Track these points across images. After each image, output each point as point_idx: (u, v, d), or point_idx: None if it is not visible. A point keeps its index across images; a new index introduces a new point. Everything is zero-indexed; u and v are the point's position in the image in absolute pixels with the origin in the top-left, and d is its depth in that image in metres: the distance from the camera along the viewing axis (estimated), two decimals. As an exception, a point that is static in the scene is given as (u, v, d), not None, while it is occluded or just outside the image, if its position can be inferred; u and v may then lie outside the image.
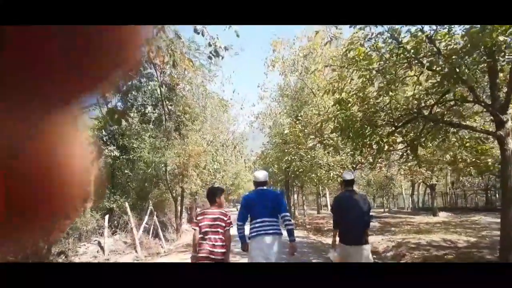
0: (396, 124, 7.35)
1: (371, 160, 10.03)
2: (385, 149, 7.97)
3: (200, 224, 4.10)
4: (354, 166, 14.38)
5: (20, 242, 0.25)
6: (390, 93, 6.79)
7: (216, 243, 4.04)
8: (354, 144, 7.81)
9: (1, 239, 0.24)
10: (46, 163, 0.24)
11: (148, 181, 15.33)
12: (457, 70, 5.61)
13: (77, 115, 0.25)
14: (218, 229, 4.09)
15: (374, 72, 6.98)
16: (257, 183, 4.52)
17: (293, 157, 17.13)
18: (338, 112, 7.48)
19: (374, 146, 7.75)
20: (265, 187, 4.56)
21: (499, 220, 7.00)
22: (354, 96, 7.45)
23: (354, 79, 7.57)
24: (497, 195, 24.95)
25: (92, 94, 0.24)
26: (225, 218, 4.14)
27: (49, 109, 0.23)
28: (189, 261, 4.51)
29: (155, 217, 14.21)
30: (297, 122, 16.68)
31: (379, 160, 11.52)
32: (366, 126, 7.23)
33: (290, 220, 4.41)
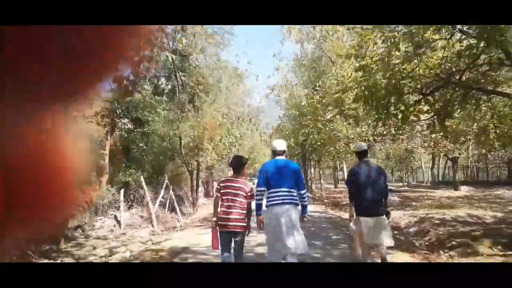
0: (424, 91, 6.84)
1: (393, 131, 9.55)
2: (409, 118, 7.51)
3: (221, 191, 4.16)
4: (375, 138, 13.89)
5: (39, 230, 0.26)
6: (418, 57, 6.30)
7: (236, 211, 4.10)
8: (377, 115, 7.36)
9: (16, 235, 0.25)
10: (51, 156, 0.25)
11: (163, 154, 15.22)
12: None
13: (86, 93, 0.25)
14: (241, 199, 4.13)
15: (399, 34, 6.43)
16: (276, 152, 4.47)
17: (310, 130, 16.74)
18: (361, 79, 7.00)
19: (399, 116, 7.29)
20: (283, 157, 4.48)
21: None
22: (378, 61, 6.94)
23: (378, 42, 7.03)
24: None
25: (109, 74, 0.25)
26: (247, 190, 4.19)
27: (55, 98, 0.24)
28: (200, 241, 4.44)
29: (171, 191, 14.15)
30: (315, 92, 16.14)
31: (401, 132, 11.01)
32: (391, 93, 6.76)
33: (306, 198, 4.49)
